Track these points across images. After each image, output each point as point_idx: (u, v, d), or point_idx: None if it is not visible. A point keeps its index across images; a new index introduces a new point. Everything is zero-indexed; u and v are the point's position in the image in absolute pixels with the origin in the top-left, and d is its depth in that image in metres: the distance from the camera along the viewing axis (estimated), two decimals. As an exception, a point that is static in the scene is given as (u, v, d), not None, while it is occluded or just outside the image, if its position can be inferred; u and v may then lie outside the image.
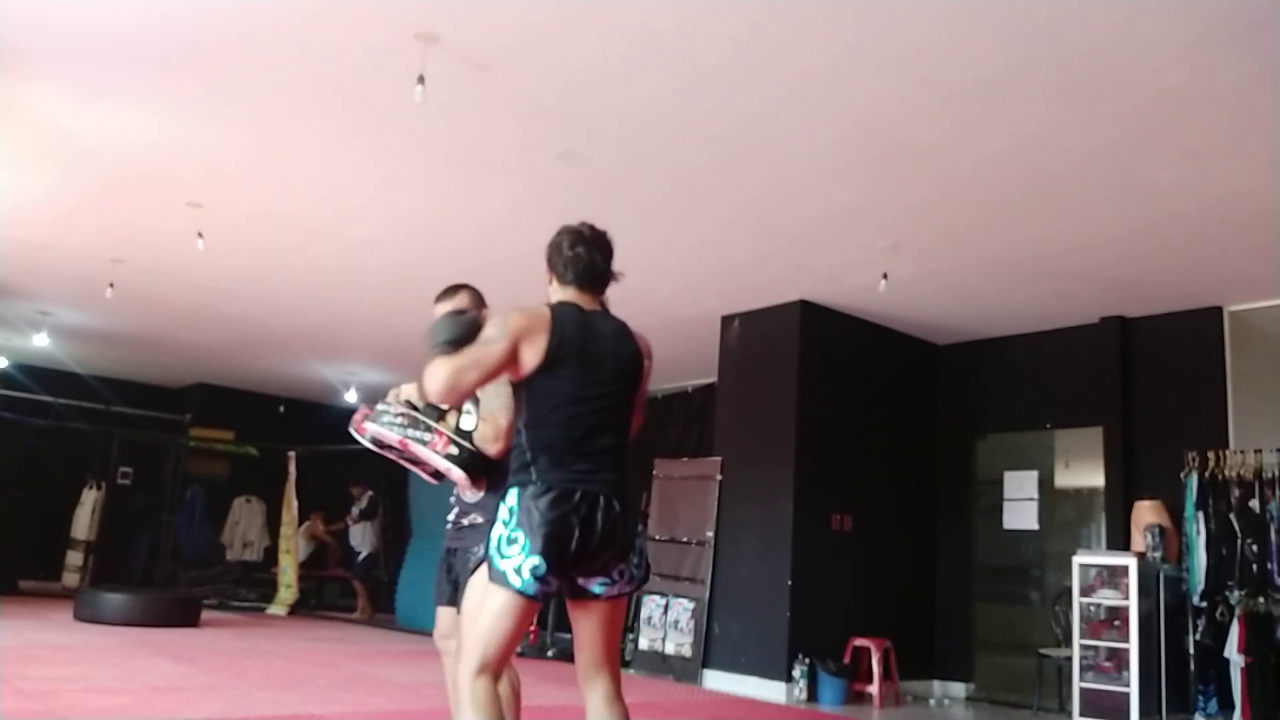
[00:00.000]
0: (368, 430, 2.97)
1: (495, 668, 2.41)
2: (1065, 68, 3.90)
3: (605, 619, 2.52)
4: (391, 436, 2.92)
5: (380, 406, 2.96)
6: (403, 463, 3.13)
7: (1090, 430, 7.15)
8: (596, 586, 2.49)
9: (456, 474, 2.90)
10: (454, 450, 2.87)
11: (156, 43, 4.19)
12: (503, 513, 2.44)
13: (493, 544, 2.43)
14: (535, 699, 5.98)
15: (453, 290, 3.27)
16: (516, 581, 2.36)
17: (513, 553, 2.37)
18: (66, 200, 6.29)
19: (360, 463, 11.69)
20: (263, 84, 4.52)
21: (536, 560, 2.35)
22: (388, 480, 11.41)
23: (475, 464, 2.87)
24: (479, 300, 3.29)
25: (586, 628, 2.53)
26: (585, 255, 2.68)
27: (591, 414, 2.50)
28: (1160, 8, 3.47)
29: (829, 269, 6.57)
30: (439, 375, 2.52)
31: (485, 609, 2.40)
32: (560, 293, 2.69)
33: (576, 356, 2.51)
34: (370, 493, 11.31)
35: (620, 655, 2.54)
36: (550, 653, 8.33)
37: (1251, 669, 5.72)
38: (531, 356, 2.47)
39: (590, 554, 2.42)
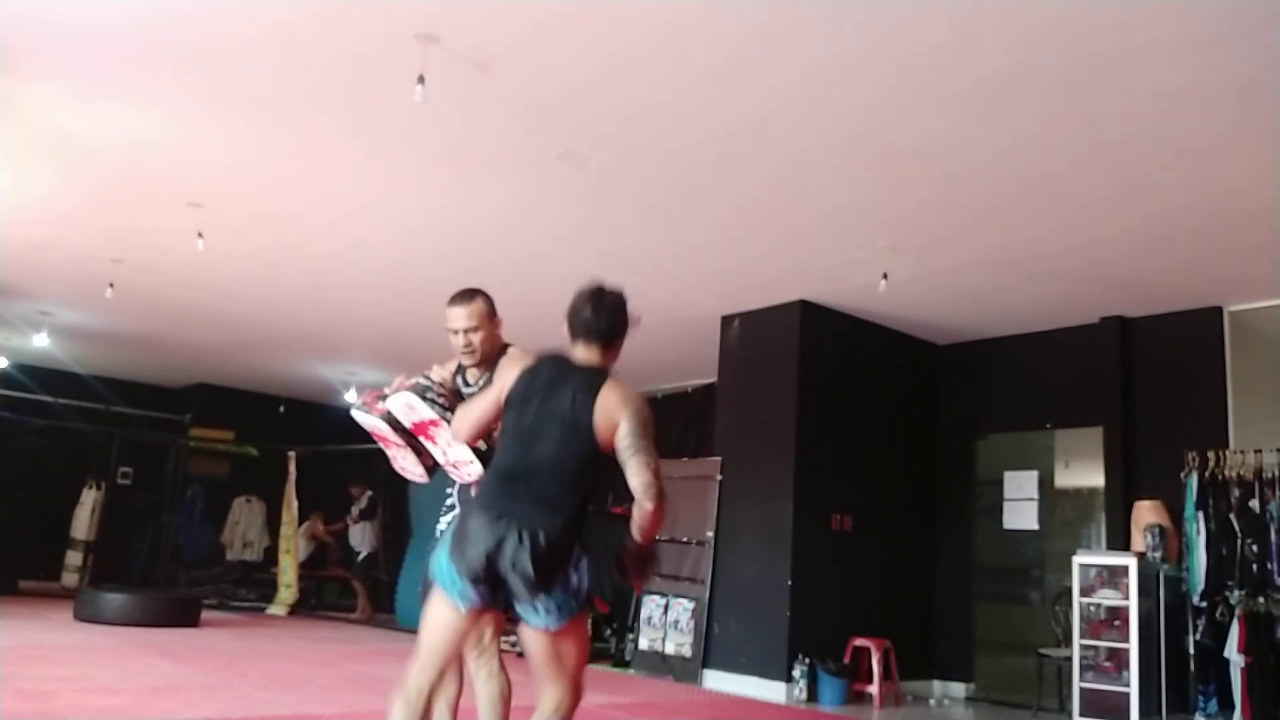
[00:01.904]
0: (397, 399, 3.02)
1: (431, 673, 2.70)
2: (1065, 68, 3.91)
3: (541, 648, 2.70)
4: (427, 413, 3.00)
5: (423, 380, 2.99)
6: (396, 445, 3.15)
7: (1090, 430, 7.16)
8: (527, 615, 2.66)
9: (475, 469, 3.04)
10: (482, 445, 3.01)
11: (156, 43, 4.20)
12: (443, 523, 2.73)
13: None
14: (536, 699, 5.97)
15: (468, 295, 3.28)
16: (448, 584, 2.66)
17: (442, 560, 2.70)
18: (66, 200, 6.29)
19: (360, 463, 11.69)
20: (263, 84, 4.52)
21: (452, 566, 2.64)
22: (387, 480, 11.40)
23: (489, 462, 2.99)
24: (490, 307, 3.30)
25: (530, 650, 2.75)
26: (586, 314, 2.85)
27: (530, 454, 2.70)
28: (1160, 8, 3.47)
29: (829, 269, 6.57)
30: (457, 425, 2.98)
31: (427, 614, 2.73)
32: (573, 347, 2.87)
33: (528, 401, 2.76)
34: (370, 493, 11.30)
35: (572, 676, 2.73)
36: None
37: (1251, 669, 5.72)
38: (505, 393, 2.84)
39: (501, 575, 2.60)
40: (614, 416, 2.68)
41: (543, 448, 2.69)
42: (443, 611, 2.70)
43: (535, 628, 2.66)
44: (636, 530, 2.71)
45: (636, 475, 2.66)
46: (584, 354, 2.83)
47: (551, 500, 2.64)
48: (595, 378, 2.76)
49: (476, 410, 2.92)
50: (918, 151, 4.75)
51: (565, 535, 2.62)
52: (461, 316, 3.24)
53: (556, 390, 2.74)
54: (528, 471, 2.68)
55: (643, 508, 2.67)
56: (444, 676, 2.79)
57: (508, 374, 2.85)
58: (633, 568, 2.80)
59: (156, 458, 11.88)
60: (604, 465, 2.73)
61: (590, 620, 2.73)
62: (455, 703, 3.32)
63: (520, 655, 9.46)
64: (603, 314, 2.83)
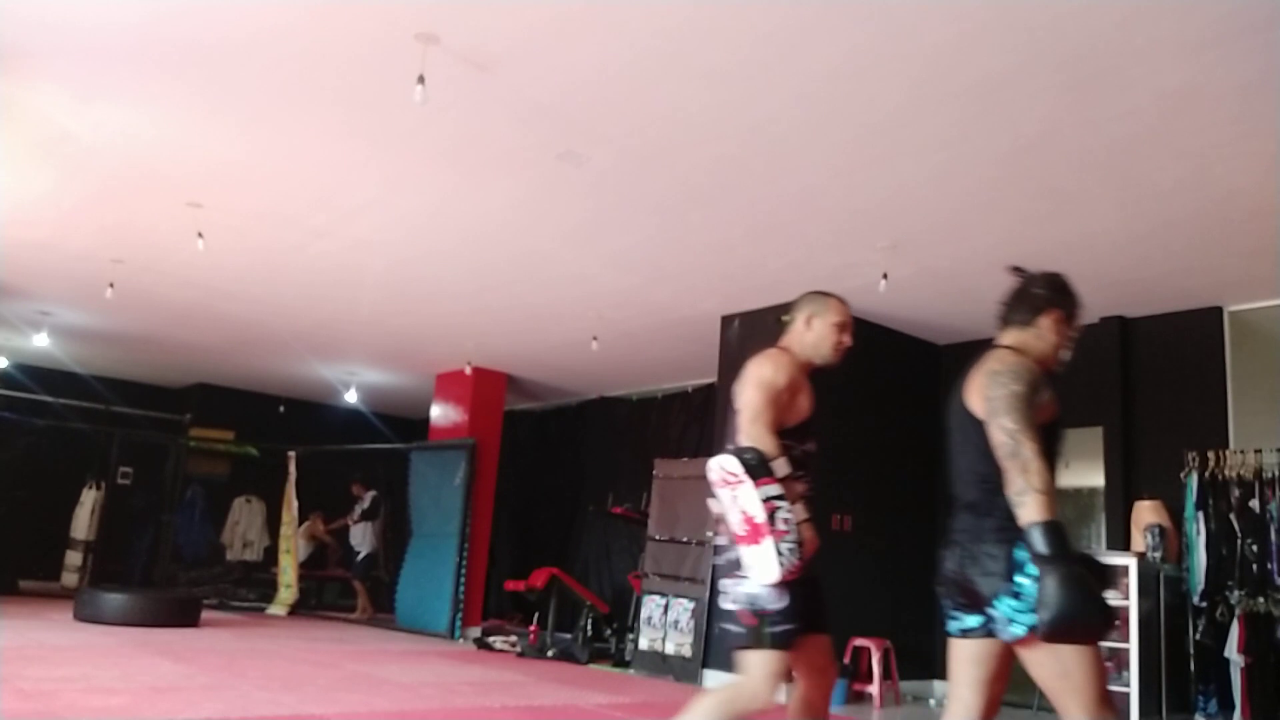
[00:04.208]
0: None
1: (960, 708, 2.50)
2: (1066, 68, 3.90)
3: (1032, 666, 2.42)
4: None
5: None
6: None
7: (1090, 430, 7.15)
8: (999, 630, 2.43)
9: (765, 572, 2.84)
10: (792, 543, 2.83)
11: (156, 43, 4.20)
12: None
13: None
14: (536, 699, 5.98)
15: (830, 296, 3.26)
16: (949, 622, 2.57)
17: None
18: (66, 200, 6.29)
19: (361, 463, 11.70)
20: (263, 84, 4.52)
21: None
22: (387, 480, 11.41)
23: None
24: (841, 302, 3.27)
25: (1031, 675, 2.52)
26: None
27: (953, 466, 2.61)
28: (1161, 8, 3.47)
29: (829, 269, 6.57)
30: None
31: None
32: None
33: (949, 413, 2.66)
34: (373, 492, 11.29)
35: (1087, 702, 2.34)
36: (550, 653, 8.33)
37: (1251, 669, 5.72)
38: None
39: (965, 593, 2.49)
40: (978, 386, 2.53)
41: (954, 455, 2.60)
42: (953, 649, 2.55)
43: (1006, 640, 2.43)
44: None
45: (993, 437, 2.41)
46: (1004, 342, 2.72)
47: (979, 505, 2.50)
48: (980, 360, 2.63)
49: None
50: (918, 152, 4.75)
51: (1000, 536, 2.40)
52: (848, 314, 3.22)
53: (955, 390, 2.64)
54: (957, 485, 2.59)
55: (1007, 474, 2.36)
56: (991, 707, 2.55)
57: None
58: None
59: (156, 458, 11.88)
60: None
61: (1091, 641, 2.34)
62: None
63: (520, 655, 9.41)
64: (1006, 303, 2.79)
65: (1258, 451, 6.04)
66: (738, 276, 6.92)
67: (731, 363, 7.80)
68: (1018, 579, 2.35)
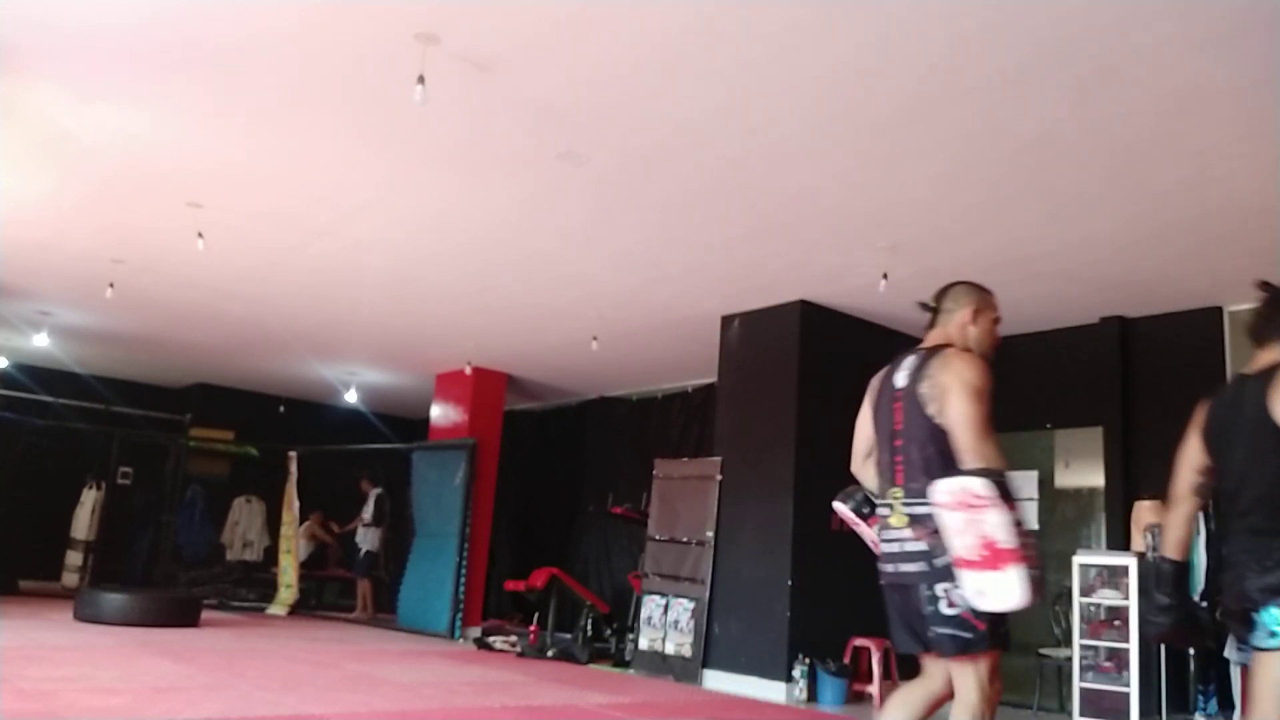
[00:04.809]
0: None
1: None
2: (1067, 69, 3.91)
3: (1257, 669, 2.55)
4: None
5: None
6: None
7: (1090, 430, 7.15)
8: (1255, 640, 2.54)
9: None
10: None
11: (156, 43, 4.20)
12: None
13: None
14: (536, 699, 5.98)
15: (986, 291, 3.22)
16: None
17: None
18: (66, 200, 6.29)
19: (361, 462, 11.69)
20: (263, 84, 4.52)
21: None
22: (388, 480, 11.41)
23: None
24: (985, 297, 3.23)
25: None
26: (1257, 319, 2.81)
27: (1226, 487, 2.62)
28: (1161, 8, 3.47)
29: (829, 269, 6.57)
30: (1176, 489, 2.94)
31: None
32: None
33: (1223, 430, 2.72)
34: (378, 490, 11.25)
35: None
36: (550, 653, 8.33)
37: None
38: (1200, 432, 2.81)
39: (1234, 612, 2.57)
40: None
41: (1233, 475, 2.62)
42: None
43: (1261, 648, 2.53)
44: None
45: None
46: (1259, 360, 2.76)
47: (1267, 529, 2.53)
48: (1271, 371, 2.67)
49: (1186, 460, 2.87)
50: (919, 153, 4.75)
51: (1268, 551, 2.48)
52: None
53: (1237, 405, 2.70)
54: (1233, 506, 2.61)
55: None
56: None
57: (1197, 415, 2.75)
58: None
59: (156, 458, 11.89)
60: None
61: None
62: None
63: (520, 655, 9.38)
64: (1263, 313, 2.84)
65: (1258, 451, 6.03)
66: (738, 276, 6.92)
67: (732, 363, 7.80)
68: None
